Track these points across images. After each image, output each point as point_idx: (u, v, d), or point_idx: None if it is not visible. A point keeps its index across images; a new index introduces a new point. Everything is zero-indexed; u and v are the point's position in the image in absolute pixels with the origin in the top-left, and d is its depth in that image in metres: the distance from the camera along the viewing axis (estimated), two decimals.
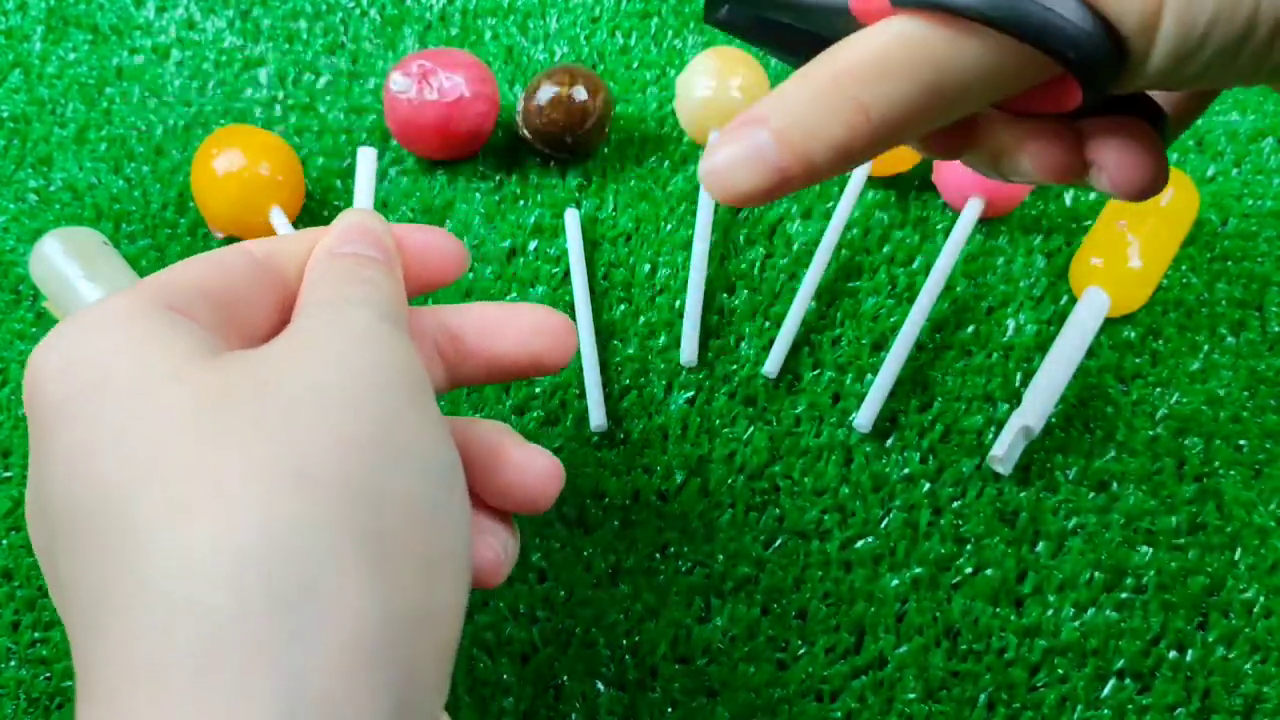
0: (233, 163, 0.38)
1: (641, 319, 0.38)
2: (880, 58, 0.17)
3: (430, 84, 0.39)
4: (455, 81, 0.39)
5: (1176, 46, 0.16)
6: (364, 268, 0.23)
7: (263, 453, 0.17)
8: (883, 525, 0.34)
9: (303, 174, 0.40)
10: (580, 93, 0.39)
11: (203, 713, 0.15)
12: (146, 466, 0.17)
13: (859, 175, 0.38)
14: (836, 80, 0.17)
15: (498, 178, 0.42)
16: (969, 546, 0.33)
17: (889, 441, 0.35)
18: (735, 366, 0.37)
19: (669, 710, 0.31)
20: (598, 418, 0.35)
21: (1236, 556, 0.33)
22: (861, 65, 0.17)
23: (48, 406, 0.18)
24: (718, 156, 0.18)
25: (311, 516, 0.17)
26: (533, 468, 0.24)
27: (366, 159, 0.35)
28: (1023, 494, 0.34)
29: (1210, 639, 0.32)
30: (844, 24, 0.18)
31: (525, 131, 0.40)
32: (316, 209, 0.41)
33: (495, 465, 0.24)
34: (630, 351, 0.37)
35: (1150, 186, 0.19)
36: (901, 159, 0.39)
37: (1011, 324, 0.37)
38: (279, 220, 0.38)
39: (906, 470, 0.35)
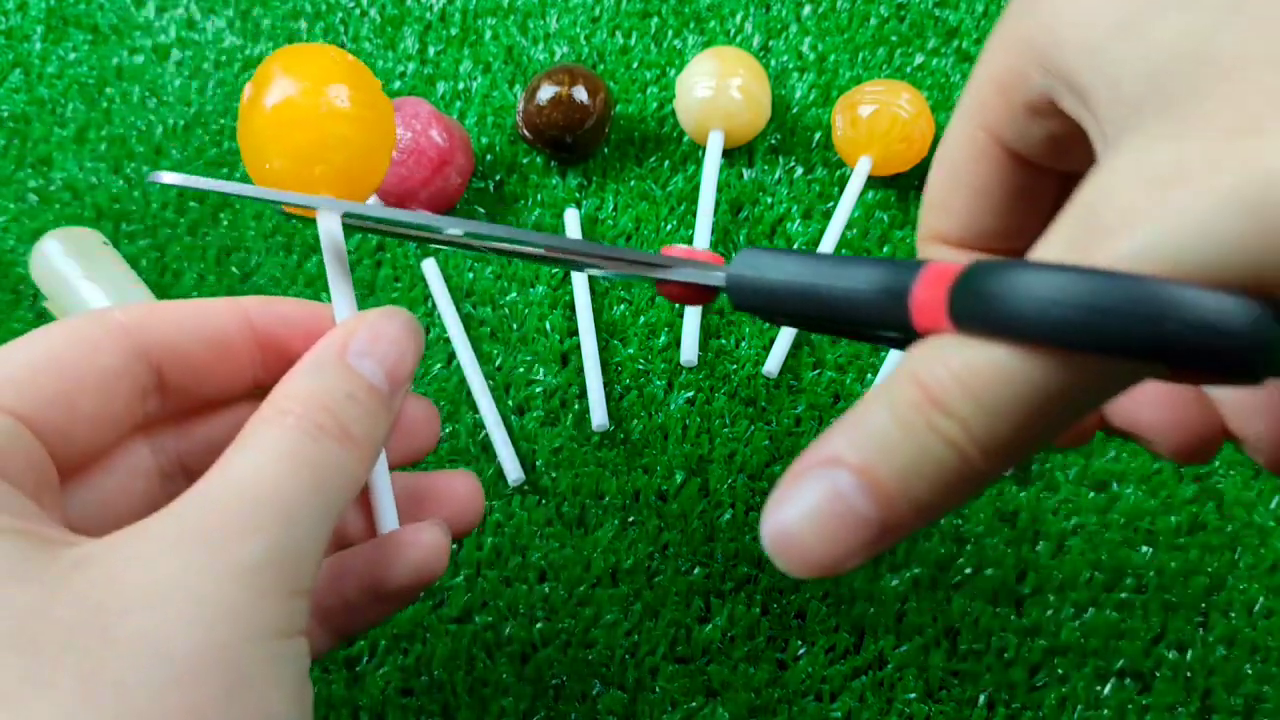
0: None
1: (641, 319, 0.38)
2: (982, 380, 0.13)
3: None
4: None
5: None
6: (358, 406, 0.18)
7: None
8: None
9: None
10: (580, 93, 0.39)
11: None
12: None
13: (859, 175, 0.38)
14: (929, 401, 0.13)
15: (498, 177, 0.42)
16: (969, 546, 0.33)
17: None
18: (735, 366, 0.37)
19: (669, 710, 0.31)
20: (599, 417, 0.35)
21: (1236, 556, 0.33)
22: (954, 387, 0.13)
23: None
24: (785, 513, 0.14)
25: None
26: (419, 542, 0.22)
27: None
28: (1023, 494, 0.34)
29: (1210, 639, 0.32)
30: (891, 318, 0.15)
31: (525, 131, 0.40)
32: None
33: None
34: (630, 351, 0.37)
35: None
36: (902, 159, 0.39)
37: None
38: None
39: None
